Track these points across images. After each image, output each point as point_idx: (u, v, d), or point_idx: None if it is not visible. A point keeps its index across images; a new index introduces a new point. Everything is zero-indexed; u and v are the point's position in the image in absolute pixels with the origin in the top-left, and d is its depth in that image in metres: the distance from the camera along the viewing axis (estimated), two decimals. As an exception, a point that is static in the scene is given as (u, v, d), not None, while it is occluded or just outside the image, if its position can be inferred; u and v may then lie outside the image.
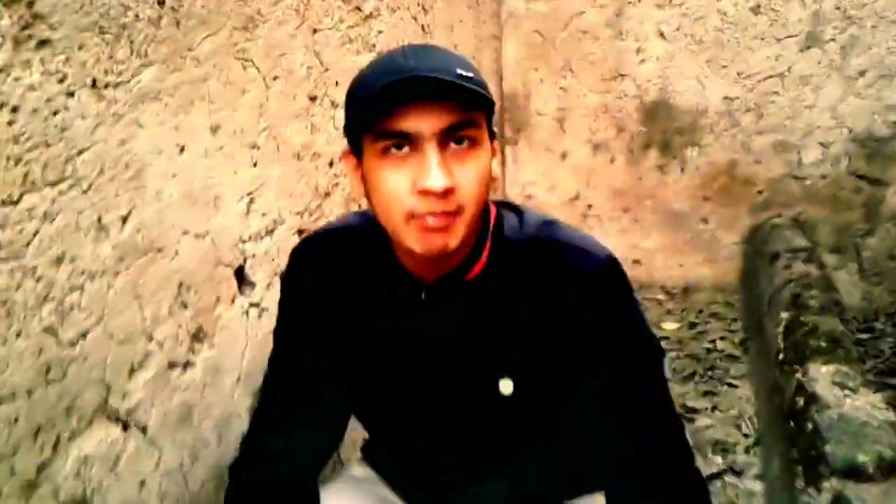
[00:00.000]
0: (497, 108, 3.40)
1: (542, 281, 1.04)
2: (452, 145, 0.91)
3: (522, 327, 1.06)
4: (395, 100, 0.88)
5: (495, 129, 0.99)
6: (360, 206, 1.80)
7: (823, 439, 1.74)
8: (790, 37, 3.10)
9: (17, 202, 0.87)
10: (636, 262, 3.45)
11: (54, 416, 0.95)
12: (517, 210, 1.11)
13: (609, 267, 1.04)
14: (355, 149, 0.98)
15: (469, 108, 0.91)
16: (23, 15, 0.87)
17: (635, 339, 1.06)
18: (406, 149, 0.91)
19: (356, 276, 1.12)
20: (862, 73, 3.05)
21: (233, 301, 1.34)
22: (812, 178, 3.18)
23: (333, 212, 1.72)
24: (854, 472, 1.64)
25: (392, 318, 1.10)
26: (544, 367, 1.06)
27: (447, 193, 0.90)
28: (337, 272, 1.14)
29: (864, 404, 1.85)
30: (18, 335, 0.88)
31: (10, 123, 0.86)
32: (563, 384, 1.06)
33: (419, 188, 0.90)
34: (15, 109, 0.87)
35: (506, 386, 1.08)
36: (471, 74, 0.91)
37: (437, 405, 1.13)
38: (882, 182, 3.10)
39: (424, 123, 0.89)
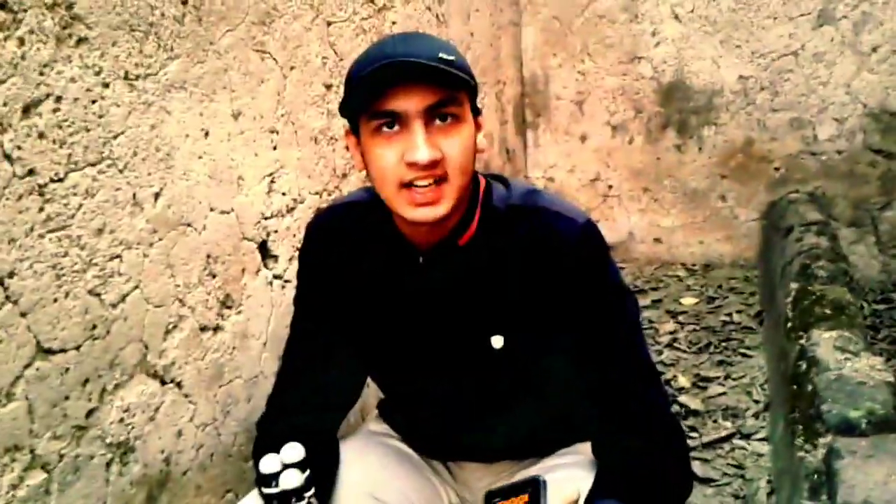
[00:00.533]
0: (517, 93, 3.50)
1: (527, 244, 1.16)
2: (437, 122, 1.03)
3: (510, 287, 1.17)
4: (382, 83, 1.00)
5: (480, 106, 1.10)
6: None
7: (821, 399, 1.83)
8: (803, 15, 3.15)
9: (62, 180, 1.01)
10: (657, 240, 3.53)
11: (100, 369, 1.08)
12: (505, 181, 1.23)
13: (587, 229, 1.15)
14: (353, 128, 1.11)
15: (451, 88, 1.02)
16: (63, 16, 1.00)
17: (612, 294, 1.17)
18: (396, 126, 1.03)
19: (362, 246, 1.24)
20: (875, 49, 3.08)
21: (257, 272, 1.47)
22: (828, 153, 3.22)
23: (350, 192, 1.84)
24: (847, 428, 1.73)
25: (394, 282, 1.22)
26: (531, 322, 1.17)
27: (433, 164, 1.02)
28: (345, 243, 1.26)
29: (864, 366, 1.93)
30: (67, 295, 1.02)
31: (54, 111, 1.00)
32: (549, 337, 1.17)
33: (407, 160, 1.02)
34: (59, 99, 1.00)
35: (497, 341, 1.19)
36: (452, 58, 1.03)
37: (437, 362, 1.24)
38: (897, 155, 3.14)
39: (410, 103, 1.00)
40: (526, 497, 0.96)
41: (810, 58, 3.16)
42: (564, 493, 0.99)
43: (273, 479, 1.03)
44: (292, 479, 1.01)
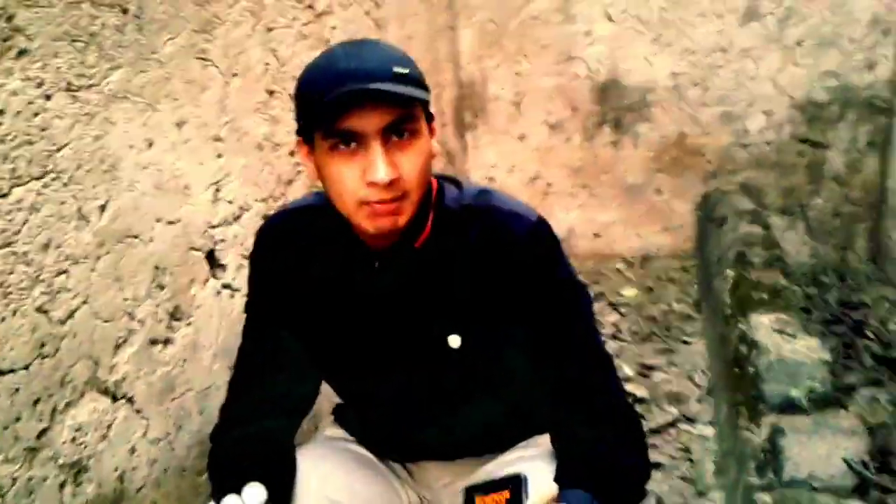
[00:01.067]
0: (455, 95, 3.52)
1: (481, 243, 1.17)
2: (394, 138, 1.03)
3: (466, 286, 1.19)
4: (340, 108, 1.00)
5: (433, 111, 1.11)
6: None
7: (763, 379, 1.90)
8: (730, 12, 3.25)
9: (6, 195, 0.99)
10: (596, 235, 3.60)
11: (50, 388, 1.06)
12: (456, 182, 1.24)
13: (538, 227, 1.17)
14: (306, 138, 1.10)
15: (406, 106, 1.03)
16: (3, 28, 0.98)
17: (566, 288, 1.19)
18: (353, 144, 1.03)
19: (315, 250, 1.24)
20: (799, 43, 3.20)
21: (206, 282, 1.46)
22: (757, 144, 3.33)
23: (296, 199, 1.84)
24: (789, 407, 1.80)
25: (349, 286, 1.22)
26: (488, 320, 1.19)
27: (392, 183, 1.03)
28: (297, 247, 1.25)
29: (802, 347, 2.00)
30: (14, 313, 1.00)
31: (-4, 126, 0.97)
32: (506, 334, 1.19)
33: (367, 181, 1.03)
34: (1, 112, 0.98)
35: (454, 340, 1.20)
36: (406, 71, 1.03)
37: (394, 363, 1.25)
38: (823, 145, 3.26)
39: (368, 123, 1.01)
40: (507, 493, 0.97)
41: (738, 53, 3.27)
42: (543, 489, 1.01)
43: None
44: None
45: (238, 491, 1.14)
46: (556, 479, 1.17)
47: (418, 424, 1.34)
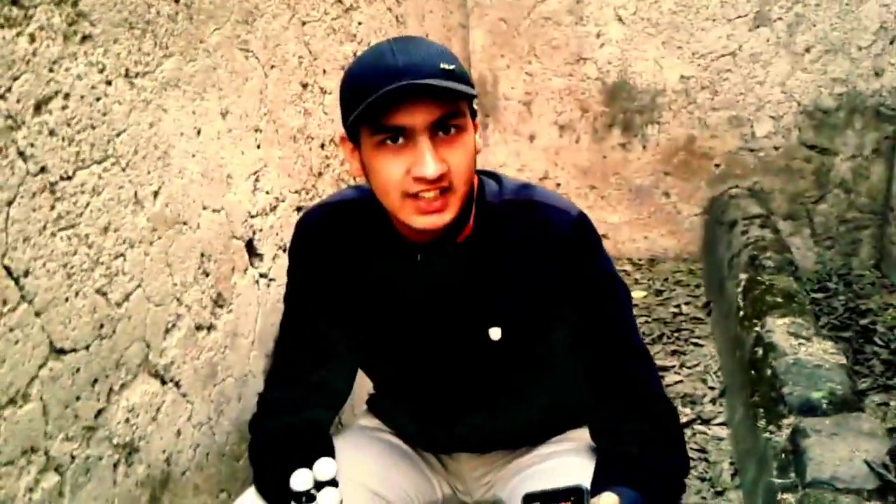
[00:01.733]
0: (466, 93, 3.54)
1: (522, 237, 1.19)
2: (441, 134, 1.05)
3: (507, 280, 1.20)
4: (390, 102, 1.01)
5: (476, 107, 1.12)
6: (349, 182, 1.93)
7: (781, 382, 1.92)
8: (740, 17, 3.28)
9: (71, 178, 1.00)
10: (604, 236, 3.59)
11: (107, 368, 1.07)
12: (496, 177, 1.26)
13: (579, 221, 1.19)
14: (352, 135, 1.12)
15: (454, 101, 1.05)
16: (69, 13, 0.99)
17: (607, 282, 1.22)
18: (401, 140, 1.04)
19: (356, 243, 1.25)
20: (808, 50, 3.24)
21: (245, 271, 1.47)
22: (765, 149, 3.37)
23: (326, 191, 1.85)
24: (809, 409, 1.82)
25: (390, 279, 1.24)
26: (528, 313, 1.21)
27: (439, 178, 1.04)
28: (338, 241, 1.27)
29: (818, 350, 2.03)
30: (77, 294, 1.01)
31: (63, 108, 0.98)
32: (546, 327, 1.21)
33: (415, 175, 1.04)
34: (67, 96, 0.99)
35: (494, 333, 1.22)
36: (453, 67, 1.04)
37: (433, 355, 1.27)
38: (830, 151, 3.30)
39: (416, 118, 1.02)
40: None
41: (747, 58, 3.30)
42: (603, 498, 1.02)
43: (304, 496, 1.01)
44: (331, 499, 1.00)
45: (286, 477, 1.15)
46: (598, 477, 1.18)
47: (454, 416, 1.35)
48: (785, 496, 1.62)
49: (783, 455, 1.73)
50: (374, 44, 1.11)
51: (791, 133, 3.33)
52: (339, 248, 1.27)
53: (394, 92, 1.00)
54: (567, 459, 1.34)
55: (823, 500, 1.55)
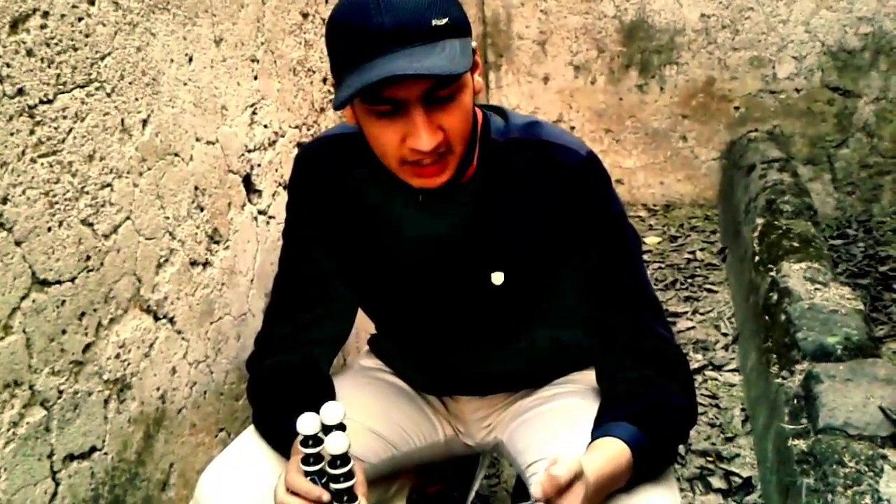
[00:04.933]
0: (479, 32, 3.44)
1: (528, 178, 1.13)
2: (437, 97, 0.97)
3: (512, 222, 1.15)
4: (378, 85, 0.92)
5: (474, 44, 1.02)
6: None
7: (796, 327, 1.87)
8: (764, -48, 3.15)
9: (52, 101, 0.95)
10: (618, 181, 3.54)
11: (95, 302, 1.03)
12: (502, 112, 1.19)
13: (589, 161, 1.13)
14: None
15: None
16: (46, -76, 0.93)
17: (616, 223, 1.16)
18: (393, 109, 0.97)
19: (356, 179, 1.20)
20: (834, -13, 3.12)
21: (243, 207, 1.42)
22: (786, 91, 3.27)
23: (328, 127, 1.79)
24: (823, 354, 1.77)
25: (392, 218, 1.19)
26: (533, 257, 1.16)
27: (435, 147, 0.98)
28: (338, 176, 1.21)
29: (834, 296, 1.98)
30: (60, 224, 0.97)
31: (41, 27, 0.93)
32: (551, 271, 1.16)
33: (410, 146, 0.98)
34: (45, 14, 0.93)
35: (497, 277, 1.17)
36: (445, 20, 0.95)
37: (434, 297, 1.23)
38: (853, 93, 3.19)
39: (409, 91, 0.95)
40: None
41: (771, -4, 3.18)
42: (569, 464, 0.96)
43: (311, 440, 0.98)
44: (339, 443, 0.96)
45: (286, 416, 1.12)
46: (601, 413, 1.15)
47: (457, 359, 1.32)
48: (796, 442, 1.59)
49: (795, 401, 1.69)
50: None
51: (813, 74, 3.22)
52: (339, 183, 1.22)
53: (384, 81, 0.93)
54: (569, 401, 1.31)
55: (835, 447, 1.51)
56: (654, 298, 1.22)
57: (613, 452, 1.04)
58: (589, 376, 1.29)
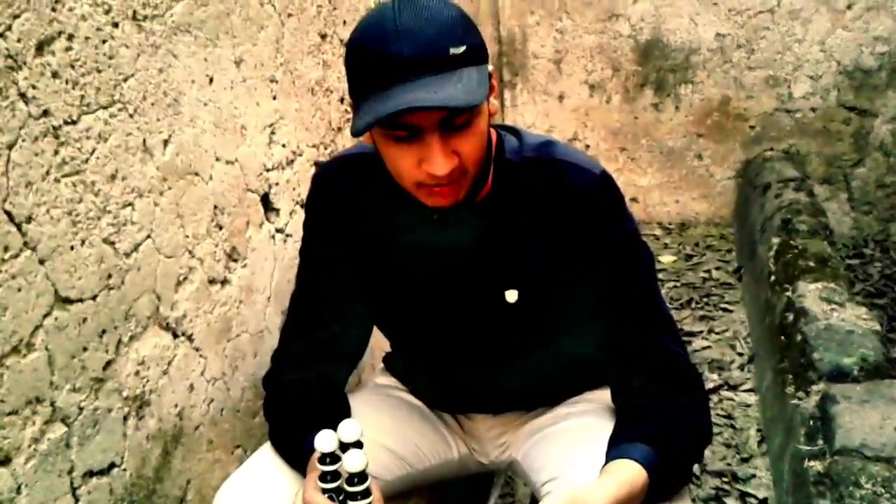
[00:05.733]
0: (494, 52, 3.46)
1: (542, 197, 1.15)
2: (453, 124, 0.98)
3: (526, 241, 1.16)
4: (395, 115, 0.94)
5: (490, 68, 1.04)
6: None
7: (812, 347, 1.87)
8: (780, -28, 3.16)
9: (76, 122, 0.97)
10: (633, 199, 3.55)
11: (115, 320, 1.05)
12: (516, 132, 1.21)
13: (602, 180, 1.14)
14: None
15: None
16: (73, -50, 0.95)
17: (630, 242, 1.17)
18: (410, 135, 0.99)
19: (373, 198, 1.21)
20: (849, 6, 3.12)
21: (261, 225, 1.44)
22: (802, 111, 3.26)
23: (346, 146, 1.81)
24: (840, 375, 1.77)
25: (407, 237, 1.20)
26: (547, 275, 1.17)
27: (450, 173, 1.00)
28: (355, 194, 1.23)
29: (850, 316, 1.97)
30: (83, 243, 0.98)
31: (67, 50, 0.95)
32: (565, 289, 1.17)
33: (425, 170, 0.99)
34: (70, 37, 0.95)
35: (511, 295, 1.18)
36: (462, 48, 0.96)
37: (450, 315, 1.24)
38: (870, 112, 3.19)
39: (425, 119, 0.96)
40: None
41: (786, 15, 3.19)
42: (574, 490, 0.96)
43: (328, 457, 0.99)
44: (357, 461, 0.97)
45: (302, 434, 1.13)
46: (616, 433, 1.15)
47: (471, 377, 1.32)
48: (812, 463, 1.58)
49: (811, 422, 1.68)
50: (375, 9, 1.02)
51: (829, 94, 3.21)
52: (355, 202, 1.23)
53: (401, 112, 0.94)
54: (584, 420, 1.31)
55: (852, 468, 1.50)
56: (669, 316, 1.22)
57: (628, 475, 1.04)
58: (604, 395, 1.29)
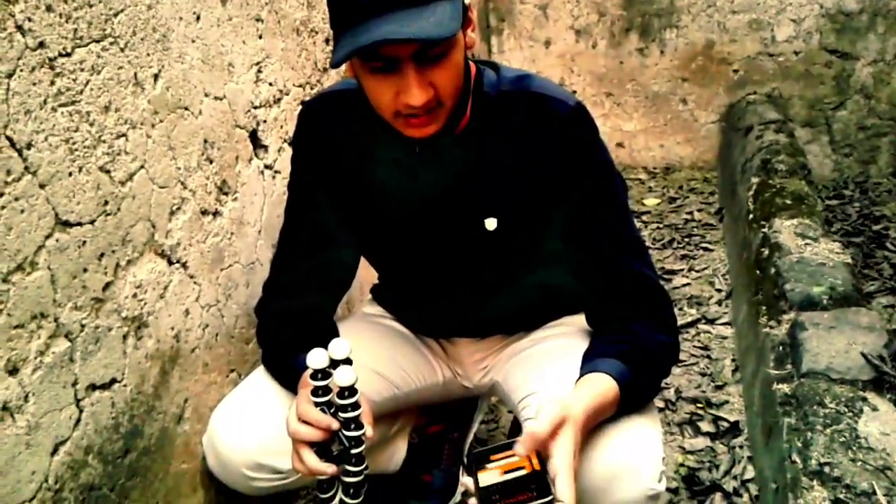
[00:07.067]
0: (480, -3, 3.47)
1: (519, 128, 1.20)
2: (428, 55, 1.03)
3: (504, 170, 1.22)
4: (369, 48, 0.99)
5: (468, 1, 1.08)
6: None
7: (784, 279, 1.94)
8: (764, -86, 3.17)
9: (70, 54, 1.01)
10: (619, 145, 3.60)
11: (113, 244, 1.11)
12: (495, 66, 1.25)
13: (577, 111, 1.19)
14: None
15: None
16: None
17: (603, 171, 1.23)
18: (387, 65, 1.03)
19: (356, 132, 1.27)
20: (833, -51, 3.13)
21: (250, 161, 1.49)
22: (785, 54, 3.30)
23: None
24: (810, 304, 1.84)
25: (390, 169, 1.26)
26: (524, 203, 1.23)
27: (427, 103, 1.05)
28: (339, 129, 1.28)
29: (823, 250, 2.04)
30: (80, 170, 1.04)
31: (59, -17, 0.99)
32: (542, 217, 1.23)
33: (402, 101, 1.05)
34: (62, -29, 1.00)
35: (490, 223, 1.24)
36: None
37: (431, 244, 1.30)
38: (851, 56, 3.22)
39: (401, 50, 1.01)
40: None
41: (770, -42, 3.20)
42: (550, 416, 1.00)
43: (320, 373, 1.06)
44: (347, 376, 1.04)
45: (293, 356, 1.20)
46: (590, 350, 1.22)
47: (453, 302, 1.39)
48: (780, 386, 1.66)
49: (781, 348, 1.76)
50: None
51: (812, 37, 3.25)
52: (340, 136, 1.28)
53: (374, 44, 0.99)
54: (560, 341, 1.38)
55: (817, 389, 1.58)
56: (639, 240, 1.28)
57: (601, 386, 1.12)
58: (580, 320, 1.36)
